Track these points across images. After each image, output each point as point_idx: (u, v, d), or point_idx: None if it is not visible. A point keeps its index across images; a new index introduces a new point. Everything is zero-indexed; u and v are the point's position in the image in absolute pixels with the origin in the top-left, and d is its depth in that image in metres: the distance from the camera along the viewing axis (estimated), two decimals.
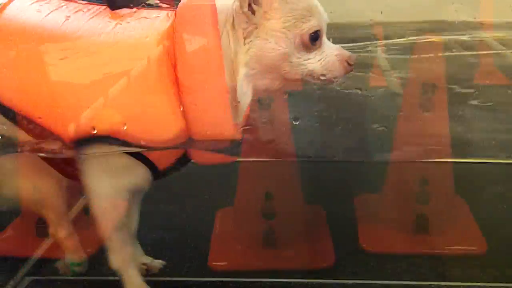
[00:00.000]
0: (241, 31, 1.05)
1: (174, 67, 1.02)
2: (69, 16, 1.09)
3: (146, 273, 1.34)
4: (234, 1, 1.05)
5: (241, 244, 1.53)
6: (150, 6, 1.13)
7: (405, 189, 1.57)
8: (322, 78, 1.08)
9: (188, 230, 1.58)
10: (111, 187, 1.16)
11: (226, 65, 1.04)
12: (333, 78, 1.09)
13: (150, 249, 1.41)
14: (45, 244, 1.47)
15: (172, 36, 1.02)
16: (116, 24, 1.07)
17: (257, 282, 1.37)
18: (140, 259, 1.37)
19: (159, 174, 1.16)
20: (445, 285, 1.35)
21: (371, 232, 1.55)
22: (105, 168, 1.14)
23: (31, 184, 1.24)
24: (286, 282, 1.37)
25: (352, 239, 1.52)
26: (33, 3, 1.14)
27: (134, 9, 1.10)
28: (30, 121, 1.08)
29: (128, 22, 1.07)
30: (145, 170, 1.14)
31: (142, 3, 1.13)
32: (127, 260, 1.23)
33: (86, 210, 1.47)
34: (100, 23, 1.07)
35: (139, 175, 1.15)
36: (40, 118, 1.07)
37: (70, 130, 1.05)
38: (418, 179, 1.53)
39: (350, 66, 1.09)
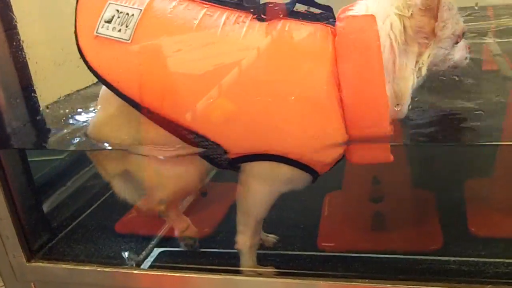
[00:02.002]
0: (414, 46, 1.14)
1: (339, 87, 1.09)
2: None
3: (260, 246, 1.42)
4: (405, 18, 1.12)
5: (348, 227, 1.60)
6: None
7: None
8: (459, 65, 1.21)
9: (298, 211, 1.65)
10: (269, 193, 1.24)
11: (386, 72, 1.10)
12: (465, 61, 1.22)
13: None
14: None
15: (335, 56, 1.09)
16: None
17: (363, 257, 1.42)
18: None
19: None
20: None
21: (480, 216, 1.55)
22: (268, 178, 1.21)
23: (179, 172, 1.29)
24: (391, 258, 1.41)
25: (461, 223, 1.53)
26: None
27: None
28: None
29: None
30: (307, 176, 1.20)
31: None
32: (253, 247, 1.32)
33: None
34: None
35: (300, 182, 1.22)
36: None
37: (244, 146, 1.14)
38: None
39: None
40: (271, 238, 1.50)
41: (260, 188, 1.23)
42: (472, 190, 1.67)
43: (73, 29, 1.16)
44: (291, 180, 1.21)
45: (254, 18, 1.13)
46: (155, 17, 1.14)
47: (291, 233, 1.44)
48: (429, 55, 1.15)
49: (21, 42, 1.44)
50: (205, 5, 1.15)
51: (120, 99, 1.16)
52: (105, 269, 1.21)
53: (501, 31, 1.54)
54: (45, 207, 1.64)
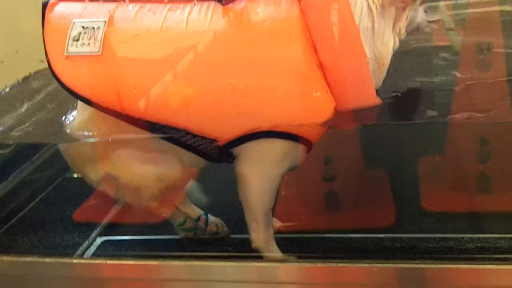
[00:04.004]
0: (393, 9, 1.13)
1: (315, 49, 1.07)
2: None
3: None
4: None
5: (302, 206, 1.59)
6: None
7: (465, 149, 1.56)
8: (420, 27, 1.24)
9: None
10: (268, 177, 1.21)
11: (365, 35, 1.10)
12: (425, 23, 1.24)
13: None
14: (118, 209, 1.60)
15: (304, 20, 1.07)
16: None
17: (317, 237, 1.42)
18: None
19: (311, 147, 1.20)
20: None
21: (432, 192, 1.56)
22: (264, 158, 1.19)
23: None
24: (345, 237, 1.42)
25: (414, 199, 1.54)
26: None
27: None
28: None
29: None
30: (302, 148, 1.18)
31: None
32: (269, 240, 1.28)
33: None
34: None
35: (297, 156, 1.20)
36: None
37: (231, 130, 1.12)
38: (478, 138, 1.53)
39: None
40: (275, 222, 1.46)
41: (257, 177, 1.21)
42: (425, 167, 1.69)
43: None
44: (286, 155, 1.18)
45: (217, 3, 1.13)
46: (120, 24, 1.15)
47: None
48: (407, 18, 1.15)
49: None
50: (168, 3, 1.16)
51: None
52: (45, 260, 1.18)
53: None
54: None
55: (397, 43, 1.17)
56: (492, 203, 1.49)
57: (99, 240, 1.49)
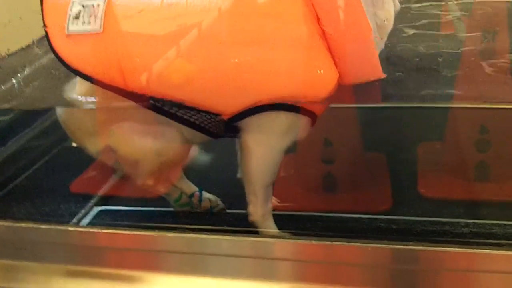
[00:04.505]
0: None
1: (318, 20, 1.06)
2: None
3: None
4: None
5: (300, 187, 1.59)
6: None
7: (464, 137, 1.56)
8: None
9: None
10: (272, 149, 1.21)
11: (366, 3, 1.07)
12: None
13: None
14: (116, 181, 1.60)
15: None
16: None
17: (314, 216, 1.43)
18: None
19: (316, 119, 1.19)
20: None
21: (430, 178, 1.57)
22: (269, 130, 1.18)
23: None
24: (342, 217, 1.44)
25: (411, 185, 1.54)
26: None
27: None
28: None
29: None
30: (307, 120, 1.17)
31: None
32: (267, 214, 1.28)
33: None
34: None
35: (301, 128, 1.19)
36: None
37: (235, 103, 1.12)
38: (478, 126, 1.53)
39: None
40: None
41: (261, 148, 1.20)
42: (424, 153, 1.69)
43: None
44: (290, 127, 1.18)
45: None
46: (121, 0, 1.14)
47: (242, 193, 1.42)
48: None
49: None
50: None
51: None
52: (41, 226, 1.19)
53: None
54: None
55: (398, 5, 1.15)
56: (489, 192, 1.50)
57: (96, 209, 1.50)
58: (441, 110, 1.73)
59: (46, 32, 1.17)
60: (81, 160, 1.50)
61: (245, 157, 1.22)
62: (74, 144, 1.67)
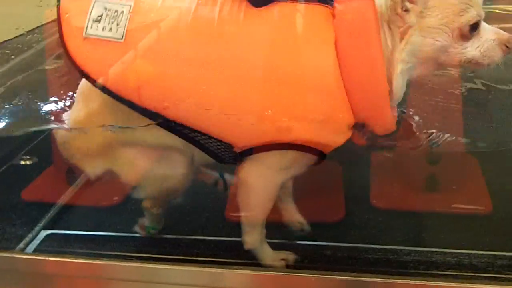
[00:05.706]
0: (396, 29, 1.06)
1: (340, 70, 1.03)
2: None
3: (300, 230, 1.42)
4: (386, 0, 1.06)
5: None
6: None
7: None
8: (481, 63, 1.10)
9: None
10: (272, 183, 1.19)
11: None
12: (492, 62, 1.10)
13: None
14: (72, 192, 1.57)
15: (336, 38, 1.03)
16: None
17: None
18: (295, 217, 1.43)
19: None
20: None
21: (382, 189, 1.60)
22: (272, 165, 1.15)
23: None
24: None
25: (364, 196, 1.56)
26: None
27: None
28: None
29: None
30: (313, 158, 1.15)
31: None
32: (262, 240, 1.27)
33: None
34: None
35: (305, 165, 1.17)
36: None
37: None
38: None
39: (508, 48, 1.10)
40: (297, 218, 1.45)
41: (262, 182, 1.18)
42: (377, 163, 1.71)
43: None
44: (296, 163, 1.16)
45: (248, 4, 1.06)
46: (146, 12, 1.08)
47: (200, 203, 1.41)
48: (406, 42, 1.06)
49: None
50: None
51: (102, 94, 1.10)
52: None
53: None
54: None
55: (402, 68, 1.08)
56: (438, 202, 1.53)
57: (44, 233, 1.45)
58: None
59: (60, 32, 1.09)
60: (30, 177, 1.47)
61: (243, 190, 1.20)
62: (22, 162, 1.63)
